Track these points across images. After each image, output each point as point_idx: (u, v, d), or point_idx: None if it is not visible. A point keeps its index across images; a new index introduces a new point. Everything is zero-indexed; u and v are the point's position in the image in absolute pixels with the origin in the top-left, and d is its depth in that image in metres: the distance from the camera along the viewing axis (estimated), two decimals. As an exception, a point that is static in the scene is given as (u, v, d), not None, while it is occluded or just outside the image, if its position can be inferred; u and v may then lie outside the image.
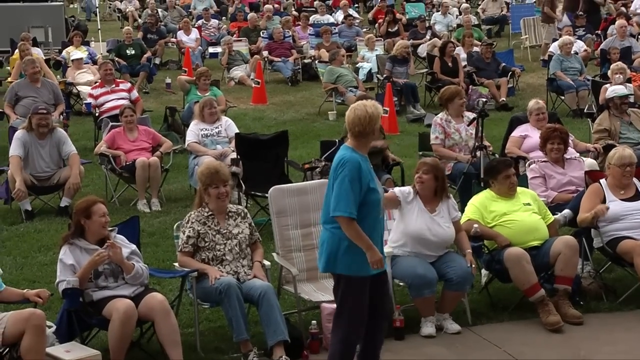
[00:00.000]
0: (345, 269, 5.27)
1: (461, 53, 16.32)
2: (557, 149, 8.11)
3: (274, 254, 6.65)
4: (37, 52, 15.93)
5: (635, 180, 7.28)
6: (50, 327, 5.70)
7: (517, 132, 9.35)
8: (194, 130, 10.11)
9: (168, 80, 17.25)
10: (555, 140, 8.12)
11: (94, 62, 16.48)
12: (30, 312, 5.46)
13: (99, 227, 6.00)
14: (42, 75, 12.47)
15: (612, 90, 10.03)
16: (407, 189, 6.68)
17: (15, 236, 8.93)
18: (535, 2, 24.00)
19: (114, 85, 12.67)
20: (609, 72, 11.99)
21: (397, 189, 6.75)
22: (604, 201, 7.11)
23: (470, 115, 9.22)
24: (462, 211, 7.10)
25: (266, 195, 7.10)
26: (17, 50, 16.01)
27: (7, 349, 5.51)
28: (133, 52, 17.54)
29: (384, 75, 15.35)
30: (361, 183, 5.20)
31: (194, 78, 13.14)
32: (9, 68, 16.91)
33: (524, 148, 9.14)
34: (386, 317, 5.78)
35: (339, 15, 22.90)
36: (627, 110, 9.83)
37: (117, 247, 5.93)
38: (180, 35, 20.23)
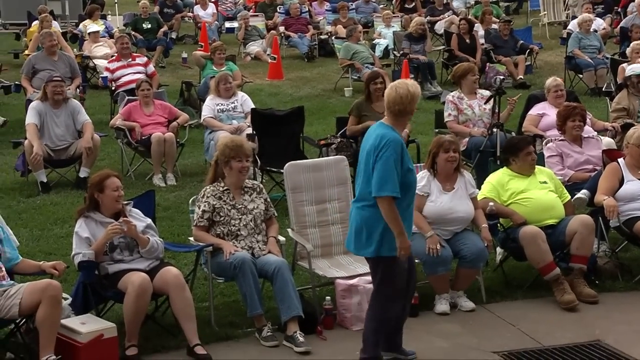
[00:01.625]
0: (388, 251, 5.27)
1: (479, 30, 16.21)
2: (578, 126, 8.06)
3: (288, 230, 6.65)
4: (55, 26, 15.95)
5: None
6: (66, 299, 5.73)
7: (535, 110, 9.29)
8: (210, 105, 10.10)
9: (184, 55, 17.24)
10: (576, 118, 8.06)
11: (111, 36, 16.48)
12: (46, 283, 5.48)
13: (112, 201, 6.01)
14: (59, 49, 12.48)
15: (630, 68, 9.95)
16: (420, 175, 6.61)
17: (32, 208, 8.98)
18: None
19: (130, 59, 12.67)
20: (628, 51, 11.86)
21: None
22: (622, 181, 7.07)
23: (485, 92, 9.19)
24: (479, 189, 7.08)
25: (281, 171, 7.10)
26: (35, 23, 16.03)
27: (24, 320, 5.55)
28: (149, 26, 17.53)
29: (401, 52, 15.28)
30: (402, 164, 5.20)
31: (209, 53, 13.12)
32: (26, 40, 16.93)
33: (541, 126, 9.07)
34: (412, 297, 5.87)
35: (356, -9, 22.76)
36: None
37: (132, 223, 5.94)
38: (197, 9, 20.17)
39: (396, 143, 5.20)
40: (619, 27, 17.24)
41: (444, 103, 12.75)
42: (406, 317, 5.74)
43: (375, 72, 10.16)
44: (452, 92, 9.62)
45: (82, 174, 9.54)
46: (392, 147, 5.17)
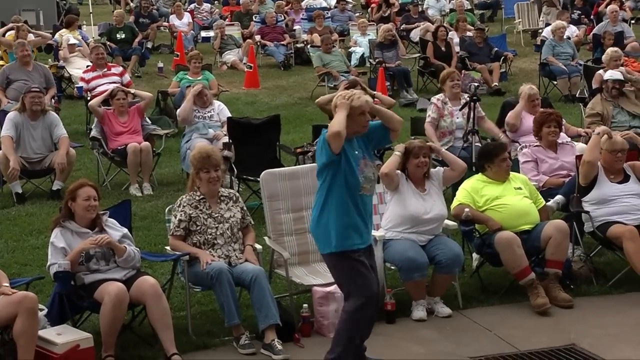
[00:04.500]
0: (337, 246, 5.26)
1: (454, 38, 16.31)
2: (554, 132, 8.17)
3: (265, 238, 6.66)
4: (29, 36, 15.82)
5: (625, 165, 7.31)
6: (41, 310, 5.69)
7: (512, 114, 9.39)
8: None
9: (160, 65, 17.19)
10: (551, 124, 8.17)
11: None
12: (22, 295, 5.44)
13: (84, 210, 5.98)
14: (33, 59, 12.43)
15: (609, 74, 10.05)
16: (398, 172, 6.68)
17: (7, 219, 8.93)
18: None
19: (105, 69, 12.63)
20: (604, 57, 11.95)
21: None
22: (595, 179, 7.16)
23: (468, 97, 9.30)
24: (454, 196, 7.13)
25: (258, 179, 7.11)
26: (9, 33, 15.88)
27: (0, 332, 5.51)
28: (124, 36, 17.44)
29: (377, 60, 15.35)
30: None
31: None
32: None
33: (516, 133, 9.17)
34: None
35: (332, 0, 22.83)
36: (617, 95, 9.81)
37: (105, 238, 5.91)
38: (173, 19, 20.14)
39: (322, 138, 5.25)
40: (591, 34, 17.40)
41: (420, 110, 12.90)
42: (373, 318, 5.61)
43: (351, 80, 10.19)
44: (429, 99, 9.75)
45: (55, 187, 9.49)
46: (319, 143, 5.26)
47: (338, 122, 5.15)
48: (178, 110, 10.24)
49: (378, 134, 5.44)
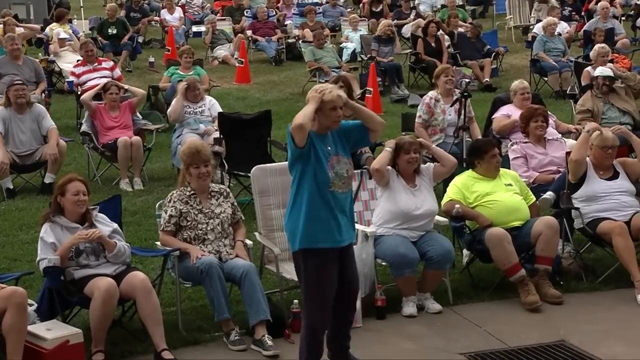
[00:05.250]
0: (301, 243, 5.14)
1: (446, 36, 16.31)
2: (541, 127, 8.20)
3: (256, 234, 6.65)
4: (19, 30, 15.78)
5: (614, 161, 7.33)
6: (31, 305, 5.67)
7: (500, 112, 9.39)
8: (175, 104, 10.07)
9: (151, 59, 17.16)
10: (538, 118, 8.21)
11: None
12: (11, 291, 5.42)
13: (73, 205, 5.96)
14: (23, 53, 12.39)
15: (599, 70, 10.07)
16: (389, 168, 6.68)
17: (-3, 215, 8.90)
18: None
19: (96, 64, 12.60)
20: (592, 54, 11.99)
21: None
22: (584, 175, 7.18)
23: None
24: (445, 192, 7.14)
25: (249, 174, 7.10)
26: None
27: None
28: (115, 31, 17.33)
29: (368, 56, 15.34)
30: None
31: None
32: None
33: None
34: (354, 291, 5.51)
35: (324, -5, 22.83)
36: (608, 91, 9.82)
37: (96, 233, 5.89)
38: (164, 14, 20.10)
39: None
40: (582, 30, 17.43)
41: (411, 106, 12.89)
42: (350, 321, 5.53)
43: (335, 77, 10.19)
44: (421, 95, 9.73)
45: (47, 180, 9.47)
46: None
47: (303, 115, 5.03)
48: (169, 111, 10.20)
49: (357, 134, 5.29)
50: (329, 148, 5.21)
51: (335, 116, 5.18)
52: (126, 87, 10.61)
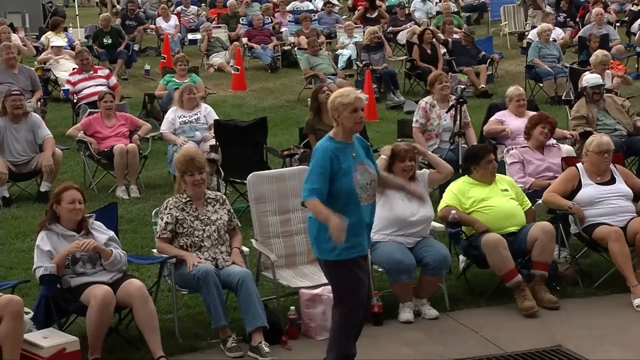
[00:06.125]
0: (328, 254, 5.23)
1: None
2: (545, 134, 8.23)
3: (252, 240, 6.65)
4: (14, 39, 15.79)
5: (611, 166, 7.34)
6: (27, 313, 5.66)
7: (495, 117, 9.43)
8: (169, 119, 10.11)
9: (147, 67, 17.15)
10: (546, 125, 8.23)
11: (72, 49, 16.33)
12: (8, 299, 5.42)
13: (68, 213, 5.97)
14: (18, 62, 12.39)
15: (586, 79, 10.05)
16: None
17: (-7, 223, 8.89)
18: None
19: (92, 72, 12.62)
20: (592, 59, 11.92)
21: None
22: (578, 186, 7.18)
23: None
24: (441, 198, 7.15)
25: (245, 181, 7.10)
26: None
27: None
28: (110, 41, 17.25)
29: (364, 62, 15.38)
30: (332, 168, 5.14)
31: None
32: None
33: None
34: (367, 306, 5.74)
35: (319, 3, 22.86)
36: (600, 99, 9.82)
37: (91, 243, 5.90)
38: (159, 21, 20.11)
39: (322, 150, 5.18)
40: (577, 36, 17.47)
41: (407, 113, 12.92)
42: (361, 329, 5.54)
43: (318, 85, 10.24)
44: (416, 101, 9.75)
45: (43, 188, 9.47)
46: (316, 154, 5.20)
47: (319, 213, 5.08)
48: (162, 135, 10.17)
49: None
50: (354, 155, 5.26)
51: (357, 117, 5.27)
52: (139, 133, 10.28)
